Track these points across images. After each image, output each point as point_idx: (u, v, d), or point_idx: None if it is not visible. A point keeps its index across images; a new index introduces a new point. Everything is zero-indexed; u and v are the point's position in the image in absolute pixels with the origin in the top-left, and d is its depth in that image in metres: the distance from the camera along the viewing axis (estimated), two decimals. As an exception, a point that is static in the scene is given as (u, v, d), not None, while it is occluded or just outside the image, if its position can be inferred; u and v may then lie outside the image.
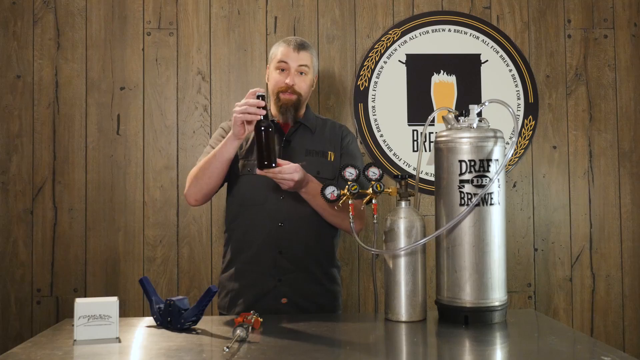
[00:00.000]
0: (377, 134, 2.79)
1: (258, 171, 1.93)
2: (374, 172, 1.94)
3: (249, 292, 2.12)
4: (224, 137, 2.19)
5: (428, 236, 1.82)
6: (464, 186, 1.78)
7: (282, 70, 2.17)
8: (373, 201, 1.94)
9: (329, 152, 2.19)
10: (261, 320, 1.77)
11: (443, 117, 1.91)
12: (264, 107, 1.91)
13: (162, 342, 1.64)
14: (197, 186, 2.11)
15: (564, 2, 2.87)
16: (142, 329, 1.81)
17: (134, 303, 2.69)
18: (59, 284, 2.69)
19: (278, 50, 2.20)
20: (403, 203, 1.87)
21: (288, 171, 1.93)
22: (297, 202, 2.11)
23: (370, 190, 1.92)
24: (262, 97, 1.91)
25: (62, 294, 2.69)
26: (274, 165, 1.89)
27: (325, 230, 2.14)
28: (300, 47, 2.18)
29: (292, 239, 2.09)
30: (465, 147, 1.78)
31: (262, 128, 1.87)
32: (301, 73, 2.17)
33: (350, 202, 1.94)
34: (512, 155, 2.81)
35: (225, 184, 2.22)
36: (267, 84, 2.27)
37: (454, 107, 2.80)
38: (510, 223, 2.80)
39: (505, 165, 1.82)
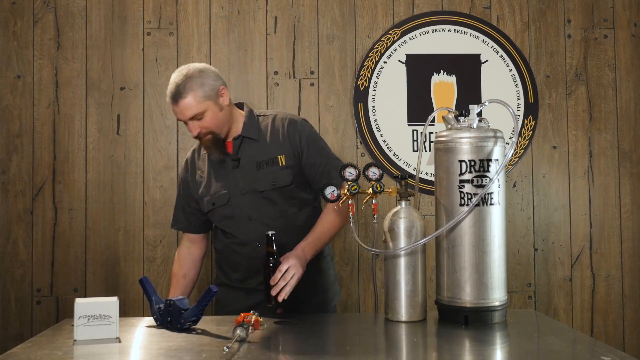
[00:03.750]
0: (377, 134, 2.79)
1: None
2: (374, 172, 1.94)
3: (236, 305, 2.12)
4: (184, 185, 2.22)
5: (428, 236, 1.82)
6: (464, 186, 1.78)
7: (185, 123, 2.05)
8: (373, 201, 1.94)
9: (279, 157, 2.10)
10: (261, 320, 1.77)
11: (443, 117, 1.91)
12: (272, 245, 1.86)
13: (162, 342, 1.64)
14: None
15: (564, 2, 2.87)
16: (142, 329, 1.81)
17: (134, 303, 2.69)
18: (59, 284, 2.69)
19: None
20: (403, 203, 1.87)
21: (287, 276, 1.86)
22: (265, 219, 2.09)
23: (370, 190, 1.92)
24: (272, 237, 1.87)
25: (62, 294, 2.69)
26: (273, 303, 1.86)
27: (302, 233, 2.07)
28: (176, 97, 1.99)
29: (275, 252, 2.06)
30: (465, 147, 1.78)
31: (271, 265, 1.86)
32: (197, 119, 2.02)
33: (350, 202, 1.94)
34: (512, 155, 2.81)
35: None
36: None
37: (454, 107, 2.80)
38: (510, 223, 2.80)
39: (505, 165, 1.82)
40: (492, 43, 2.83)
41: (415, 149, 2.79)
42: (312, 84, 2.78)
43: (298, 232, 2.11)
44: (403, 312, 1.83)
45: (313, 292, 2.15)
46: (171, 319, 1.77)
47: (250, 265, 2.10)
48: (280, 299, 1.84)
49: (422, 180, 2.80)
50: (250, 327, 1.65)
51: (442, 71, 2.83)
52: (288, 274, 1.85)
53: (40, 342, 1.65)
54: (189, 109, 1.99)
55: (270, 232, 1.88)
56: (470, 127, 1.81)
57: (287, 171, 2.09)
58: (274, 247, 1.88)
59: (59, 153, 2.71)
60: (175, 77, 2.02)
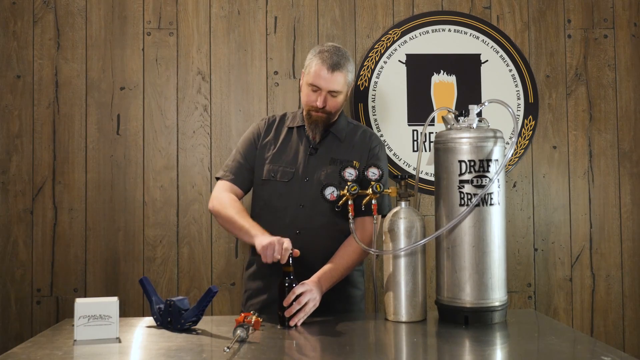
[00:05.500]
0: (377, 134, 2.79)
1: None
2: (373, 172, 1.94)
3: (265, 293, 2.14)
4: (252, 141, 2.25)
5: (428, 236, 1.82)
6: (463, 186, 1.78)
7: (314, 90, 2.14)
8: (373, 201, 1.94)
9: (354, 162, 2.18)
10: (261, 320, 1.77)
11: (443, 117, 1.91)
12: (289, 263, 1.85)
13: (162, 342, 1.64)
14: (222, 224, 2.21)
15: (564, 2, 2.87)
16: (142, 329, 1.81)
17: (134, 303, 2.69)
18: (59, 284, 2.69)
19: (312, 65, 2.14)
20: (403, 203, 1.87)
21: (302, 300, 1.83)
22: (315, 212, 2.13)
23: (370, 191, 1.92)
24: (288, 261, 1.85)
25: (62, 294, 2.69)
26: (286, 324, 1.82)
27: (343, 239, 2.13)
28: (335, 67, 2.10)
29: (309, 247, 2.07)
30: (465, 147, 1.78)
31: (286, 285, 1.83)
32: (333, 96, 2.14)
33: (350, 202, 1.94)
34: (512, 155, 2.80)
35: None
36: (299, 90, 2.24)
37: (454, 107, 2.79)
38: (510, 223, 2.80)
39: (505, 166, 1.82)
40: (492, 43, 2.83)
41: (415, 149, 2.79)
42: (312, 84, 2.77)
43: (338, 237, 2.13)
44: (403, 312, 1.83)
45: (339, 299, 2.13)
46: (171, 319, 1.77)
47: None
48: (292, 323, 1.80)
49: (422, 180, 2.80)
50: (251, 328, 1.66)
51: (442, 71, 2.83)
52: (303, 298, 1.83)
53: (40, 342, 1.65)
54: (337, 83, 2.12)
55: (294, 254, 1.85)
56: (470, 127, 1.81)
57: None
58: (291, 267, 1.84)
59: (59, 153, 2.71)
60: (335, 49, 2.15)
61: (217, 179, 2.29)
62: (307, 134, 2.20)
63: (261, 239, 1.91)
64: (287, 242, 1.86)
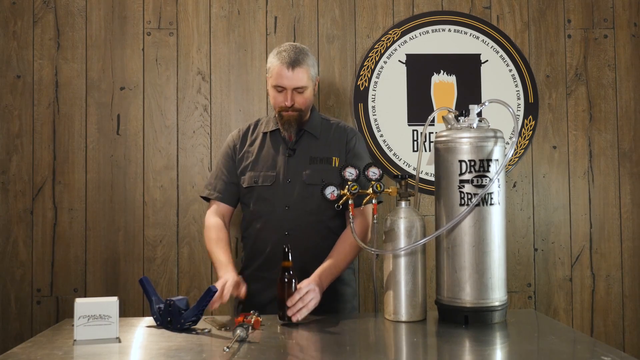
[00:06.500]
0: (377, 134, 2.79)
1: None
2: (374, 172, 1.94)
3: (258, 297, 2.15)
4: (229, 155, 2.27)
5: (428, 236, 1.82)
6: (464, 186, 1.78)
7: (279, 91, 2.16)
8: (373, 201, 1.94)
9: (334, 158, 2.20)
10: (261, 320, 1.77)
11: (443, 117, 1.91)
12: (288, 258, 1.84)
13: (162, 342, 1.64)
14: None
15: (564, 2, 2.87)
16: (142, 329, 1.81)
17: (134, 303, 2.69)
18: (59, 284, 2.69)
19: (273, 67, 2.16)
20: (403, 203, 1.87)
21: (306, 298, 1.84)
22: (301, 212, 2.15)
23: (370, 190, 1.93)
24: (288, 252, 1.84)
25: (62, 294, 2.69)
26: (287, 320, 1.82)
27: (331, 237, 2.14)
28: (295, 64, 2.12)
29: (299, 246, 2.08)
30: (465, 147, 1.78)
31: (286, 281, 1.83)
32: (299, 92, 2.15)
33: (350, 202, 1.94)
34: (512, 155, 2.80)
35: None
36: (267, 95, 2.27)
37: (454, 107, 2.79)
38: (510, 223, 2.80)
39: (505, 165, 1.82)
40: (492, 43, 2.83)
41: (415, 149, 2.79)
42: (312, 84, 2.77)
43: (326, 234, 2.15)
44: (403, 312, 1.83)
45: (330, 297, 2.13)
46: (171, 319, 1.77)
47: (271, 252, 2.15)
48: (294, 319, 1.81)
49: (422, 180, 2.80)
50: (250, 327, 1.66)
51: (442, 71, 2.83)
52: (307, 296, 1.84)
53: (40, 342, 1.65)
54: (300, 79, 2.13)
55: (286, 246, 1.85)
56: (470, 127, 1.81)
57: (338, 173, 2.14)
58: (291, 261, 1.85)
59: (59, 153, 2.71)
60: (293, 47, 2.17)
61: (205, 199, 2.30)
62: (283, 136, 2.22)
63: (221, 278, 1.97)
64: (227, 289, 1.88)
